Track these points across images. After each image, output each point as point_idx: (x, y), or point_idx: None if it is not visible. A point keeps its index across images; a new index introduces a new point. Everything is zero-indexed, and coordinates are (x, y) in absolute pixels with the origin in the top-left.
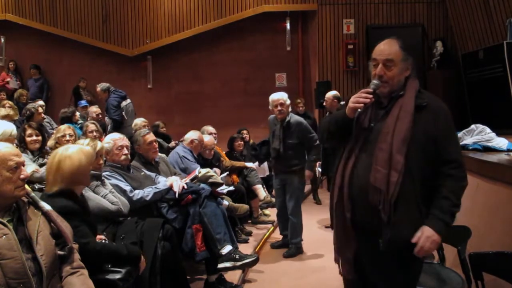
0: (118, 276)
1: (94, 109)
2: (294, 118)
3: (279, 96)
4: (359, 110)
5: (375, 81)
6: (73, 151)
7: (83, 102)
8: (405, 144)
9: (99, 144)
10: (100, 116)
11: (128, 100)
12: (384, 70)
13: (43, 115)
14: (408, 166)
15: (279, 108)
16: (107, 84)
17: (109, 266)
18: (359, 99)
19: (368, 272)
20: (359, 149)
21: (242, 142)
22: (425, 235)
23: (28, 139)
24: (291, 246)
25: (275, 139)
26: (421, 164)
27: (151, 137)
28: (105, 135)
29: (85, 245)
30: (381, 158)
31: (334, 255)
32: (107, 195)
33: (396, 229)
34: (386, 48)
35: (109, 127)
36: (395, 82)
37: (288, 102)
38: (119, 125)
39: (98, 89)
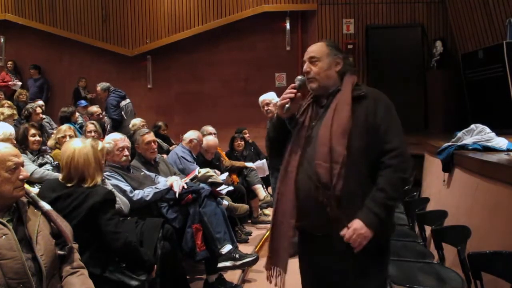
0: (135, 283)
1: (95, 109)
2: None
3: (265, 97)
4: (287, 106)
5: (299, 77)
6: (95, 142)
7: (83, 102)
8: (345, 135)
9: (100, 144)
10: (101, 116)
11: (128, 100)
12: (310, 66)
13: (41, 115)
14: (351, 158)
15: (265, 108)
16: (107, 84)
17: (124, 264)
18: (284, 95)
19: (327, 282)
20: (301, 150)
21: (243, 142)
22: (352, 228)
23: (31, 139)
24: None
25: None
26: (365, 156)
27: (150, 137)
28: (106, 134)
29: (115, 234)
30: (322, 152)
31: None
32: None
33: (342, 225)
34: (311, 48)
35: (108, 126)
36: (322, 76)
37: (275, 101)
38: (119, 125)
39: (98, 88)
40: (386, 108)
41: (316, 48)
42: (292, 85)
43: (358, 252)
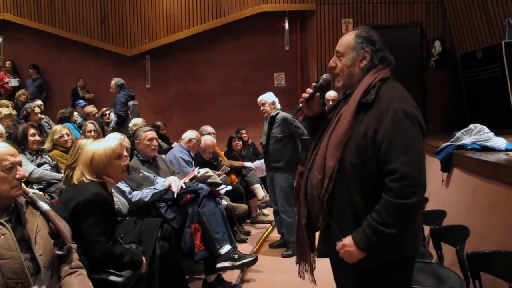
0: (119, 279)
1: (91, 109)
2: (280, 114)
3: (261, 97)
4: (300, 105)
5: (324, 76)
6: (98, 145)
7: (82, 102)
8: (339, 148)
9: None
10: (97, 115)
11: (136, 101)
12: (336, 61)
13: (39, 115)
14: (343, 172)
15: (261, 108)
16: (123, 81)
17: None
18: (303, 94)
19: (338, 284)
20: (316, 152)
21: (241, 142)
22: (342, 243)
23: (31, 138)
24: (289, 245)
25: (262, 135)
26: (360, 172)
27: (152, 134)
28: (110, 131)
29: (95, 243)
30: (318, 162)
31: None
32: None
33: (332, 240)
34: (340, 39)
35: (112, 122)
36: (346, 74)
37: (270, 101)
38: (123, 122)
39: (113, 82)
40: (394, 120)
41: (342, 41)
42: (313, 84)
43: (353, 267)
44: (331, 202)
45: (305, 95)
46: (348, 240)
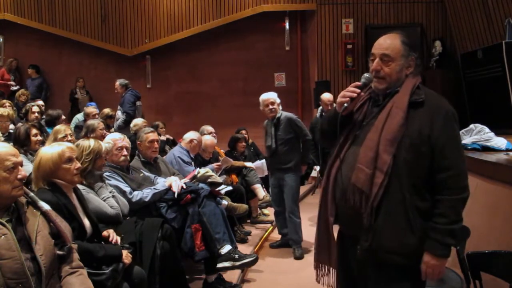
0: (104, 276)
1: (91, 110)
2: (284, 114)
3: (269, 96)
4: (345, 104)
5: (366, 75)
6: (46, 150)
7: (92, 104)
8: (394, 144)
9: (103, 146)
10: (97, 116)
11: (140, 102)
12: (381, 65)
13: (36, 114)
14: (396, 168)
15: (270, 107)
16: (127, 81)
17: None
18: (345, 93)
19: (357, 283)
20: (347, 148)
21: (245, 143)
22: (424, 261)
23: (33, 138)
24: (297, 247)
25: (268, 137)
26: (413, 168)
27: (153, 136)
28: (115, 130)
29: None
30: (366, 156)
31: (314, 262)
32: (108, 198)
33: (377, 236)
34: (386, 41)
35: (118, 121)
36: (394, 79)
37: (278, 101)
38: (130, 121)
39: (117, 83)
40: (445, 120)
41: (391, 45)
42: (357, 83)
43: (382, 265)
44: (381, 197)
45: (351, 94)
46: (426, 257)
